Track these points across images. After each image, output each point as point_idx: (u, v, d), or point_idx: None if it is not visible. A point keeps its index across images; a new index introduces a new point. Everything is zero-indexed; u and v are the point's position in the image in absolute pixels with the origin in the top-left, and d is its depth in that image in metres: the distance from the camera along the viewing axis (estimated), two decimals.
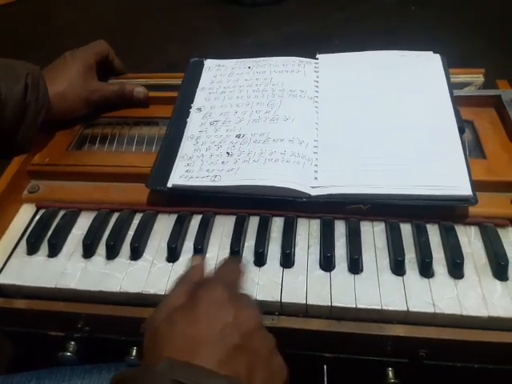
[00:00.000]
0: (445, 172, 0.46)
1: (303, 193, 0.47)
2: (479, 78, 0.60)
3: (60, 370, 0.47)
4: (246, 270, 0.39)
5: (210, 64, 0.64)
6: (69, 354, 0.48)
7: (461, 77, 0.60)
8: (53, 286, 0.46)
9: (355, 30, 1.15)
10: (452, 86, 0.55)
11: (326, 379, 0.45)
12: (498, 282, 0.42)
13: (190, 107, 0.59)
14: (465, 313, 0.40)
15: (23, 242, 0.50)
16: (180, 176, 0.50)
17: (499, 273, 0.42)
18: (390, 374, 0.44)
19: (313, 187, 0.48)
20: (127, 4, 1.41)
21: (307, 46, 1.12)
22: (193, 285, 0.35)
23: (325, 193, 0.47)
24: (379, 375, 0.44)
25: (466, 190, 0.44)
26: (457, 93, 0.56)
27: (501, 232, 0.46)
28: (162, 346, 0.31)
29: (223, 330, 0.31)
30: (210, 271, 0.38)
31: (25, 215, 0.54)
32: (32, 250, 0.50)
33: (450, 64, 0.59)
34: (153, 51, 1.17)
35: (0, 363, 0.64)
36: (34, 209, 0.54)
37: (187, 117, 0.57)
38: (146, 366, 0.31)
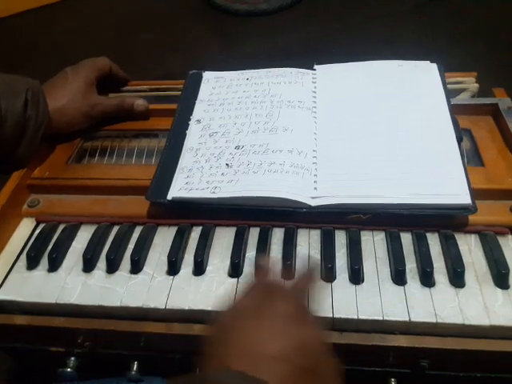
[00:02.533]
0: (444, 181, 0.46)
1: (303, 203, 0.47)
2: (473, 84, 0.61)
3: None
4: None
5: (208, 76, 0.64)
6: (69, 369, 0.48)
7: (454, 82, 0.60)
8: (53, 302, 0.46)
9: (352, 39, 1.16)
10: (449, 95, 0.56)
11: None
12: (499, 291, 0.42)
13: (190, 119, 0.59)
14: (467, 322, 0.40)
15: (23, 257, 0.50)
16: (180, 188, 0.50)
17: (500, 281, 0.42)
18: None
19: (312, 197, 0.48)
20: (125, 16, 1.42)
21: (304, 56, 1.13)
22: (266, 290, 0.35)
23: (324, 203, 0.47)
24: None
25: (465, 198, 0.45)
26: (454, 101, 0.56)
27: (501, 240, 0.46)
28: (227, 350, 0.30)
29: (294, 349, 0.30)
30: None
31: (25, 229, 0.54)
32: (32, 264, 0.49)
33: (446, 71, 0.60)
34: (150, 62, 1.18)
35: None
36: (34, 223, 0.54)
37: (186, 129, 0.58)
38: (208, 373, 0.30)
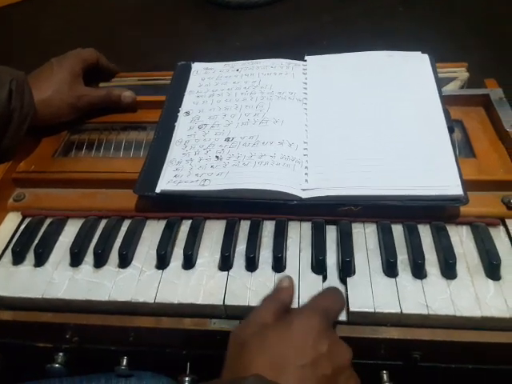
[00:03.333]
0: (435, 172, 0.46)
1: (294, 195, 0.47)
2: (463, 73, 0.61)
3: (48, 381, 0.46)
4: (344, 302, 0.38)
5: (197, 67, 0.63)
6: (57, 365, 0.47)
7: (444, 71, 0.60)
8: (39, 297, 0.45)
9: (343, 31, 1.15)
10: (440, 85, 0.56)
11: None
12: (490, 282, 0.42)
13: (178, 111, 0.58)
14: (458, 313, 0.40)
15: (9, 252, 0.49)
16: (168, 181, 0.49)
17: (492, 272, 0.42)
18: (385, 376, 0.43)
19: (303, 190, 0.47)
20: (113, 9, 1.40)
21: (295, 48, 1.12)
22: (282, 305, 0.35)
23: (315, 195, 0.47)
24: (373, 378, 0.43)
25: (457, 189, 0.44)
26: (445, 92, 0.56)
27: (492, 231, 0.46)
28: (250, 358, 0.30)
29: (316, 360, 0.30)
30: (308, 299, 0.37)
31: (10, 224, 0.53)
32: (18, 259, 0.48)
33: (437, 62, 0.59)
34: (139, 56, 1.16)
35: None
36: (20, 217, 0.53)
37: (175, 121, 0.57)
38: (234, 379, 0.30)
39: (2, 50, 1.31)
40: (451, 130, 0.50)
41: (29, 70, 0.58)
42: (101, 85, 0.67)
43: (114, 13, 1.38)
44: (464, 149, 0.53)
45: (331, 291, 0.38)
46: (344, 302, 0.38)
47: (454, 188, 0.44)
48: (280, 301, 0.36)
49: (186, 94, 0.60)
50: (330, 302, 0.36)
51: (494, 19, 1.08)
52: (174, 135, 0.55)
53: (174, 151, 0.53)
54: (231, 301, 0.43)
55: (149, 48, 1.18)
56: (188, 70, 0.64)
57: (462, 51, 0.99)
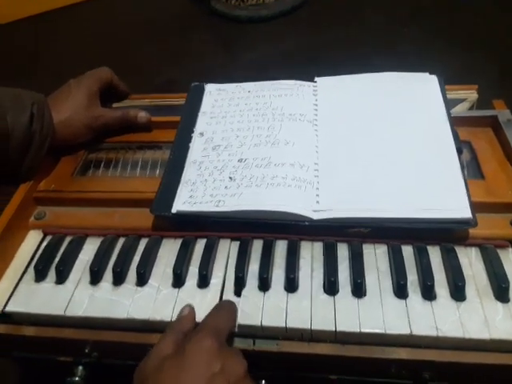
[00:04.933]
0: (444, 194, 0.47)
1: (305, 217, 0.48)
2: (473, 94, 0.62)
3: None
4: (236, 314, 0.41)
5: (210, 88, 0.65)
6: (77, 378, 0.49)
7: (454, 93, 0.61)
8: (61, 314, 0.47)
9: (352, 46, 1.17)
10: (449, 107, 0.57)
11: None
12: (499, 304, 0.43)
13: (193, 131, 0.60)
14: (467, 336, 0.41)
15: (31, 269, 0.51)
16: (184, 202, 0.51)
17: (501, 295, 0.43)
18: None
19: (315, 211, 0.48)
20: (127, 24, 1.43)
21: (306, 63, 1.13)
22: (182, 335, 0.37)
23: (326, 217, 0.48)
24: None
25: (465, 212, 0.45)
26: (454, 114, 0.57)
27: (501, 253, 0.46)
28: None
29: (211, 380, 0.33)
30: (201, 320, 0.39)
31: (32, 241, 0.55)
32: (40, 277, 0.50)
33: (446, 81, 0.60)
34: (152, 70, 1.19)
35: None
36: (41, 235, 0.55)
37: (190, 141, 0.58)
38: None
39: (17, 64, 1.34)
40: (460, 152, 0.51)
41: (42, 86, 0.60)
42: (115, 105, 0.69)
43: (127, 28, 1.41)
44: (472, 170, 0.54)
45: (222, 307, 0.40)
46: (235, 314, 0.40)
47: (463, 211, 0.45)
48: (180, 330, 0.39)
49: (200, 114, 0.62)
50: (221, 319, 0.39)
51: (501, 33, 1.09)
52: (188, 156, 0.57)
53: (189, 172, 0.54)
54: (244, 320, 0.44)
55: (161, 63, 1.21)
56: (201, 90, 0.65)
57: (469, 65, 1.00)
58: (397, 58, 1.04)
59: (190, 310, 0.43)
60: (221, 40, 1.32)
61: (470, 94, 0.60)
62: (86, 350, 0.48)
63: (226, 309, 0.40)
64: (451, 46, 1.06)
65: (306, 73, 0.65)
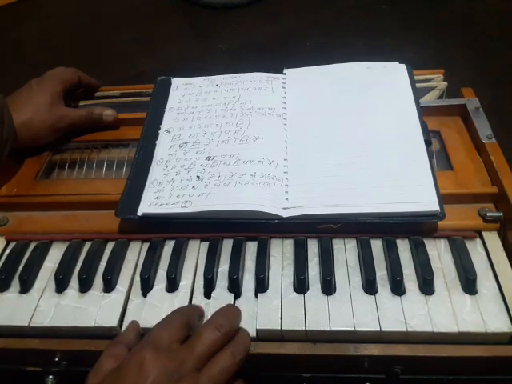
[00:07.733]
0: (412, 188, 0.47)
1: (275, 215, 0.47)
2: (442, 82, 0.61)
3: None
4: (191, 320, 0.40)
5: (177, 83, 0.63)
6: None
7: (423, 80, 0.61)
8: (26, 325, 0.46)
9: (326, 31, 1.15)
10: (418, 97, 0.56)
11: None
12: (467, 296, 0.43)
13: (159, 129, 0.58)
14: (436, 330, 0.41)
15: None
16: (150, 204, 0.49)
17: (468, 287, 0.43)
18: None
19: (284, 208, 0.48)
20: (93, 14, 1.37)
21: (280, 50, 1.11)
22: (124, 347, 0.38)
23: (296, 214, 0.47)
24: None
25: (433, 205, 0.45)
26: (423, 103, 0.56)
27: (469, 244, 0.47)
28: None
29: None
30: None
31: None
32: (3, 286, 0.49)
33: (418, 66, 0.60)
34: (122, 61, 1.15)
35: None
36: (4, 242, 0.53)
37: (156, 139, 0.57)
38: None
39: None
40: (428, 144, 0.51)
41: (3, 82, 0.57)
42: (82, 103, 0.66)
43: (93, 18, 1.36)
44: (442, 161, 0.53)
45: (171, 317, 0.40)
46: (188, 319, 0.40)
47: (431, 204, 0.45)
48: (121, 343, 0.39)
49: (167, 110, 0.60)
50: (167, 329, 0.38)
51: (478, 19, 1.08)
52: (155, 154, 0.55)
53: (155, 171, 0.53)
54: None
55: (132, 52, 1.17)
56: (168, 85, 0.63)
57: (444, 50, 0.99)
58: (369, 46, 1.03)
59: (131, 323, 0.44)
60: (194, 28, 1.28)
61: (439, 83, 0.60)
62: (56, 359, 0.47)
63: (175, 317, 0.40)
64: (423, 32, 1.05)
65: (280, 61, 0.63)
